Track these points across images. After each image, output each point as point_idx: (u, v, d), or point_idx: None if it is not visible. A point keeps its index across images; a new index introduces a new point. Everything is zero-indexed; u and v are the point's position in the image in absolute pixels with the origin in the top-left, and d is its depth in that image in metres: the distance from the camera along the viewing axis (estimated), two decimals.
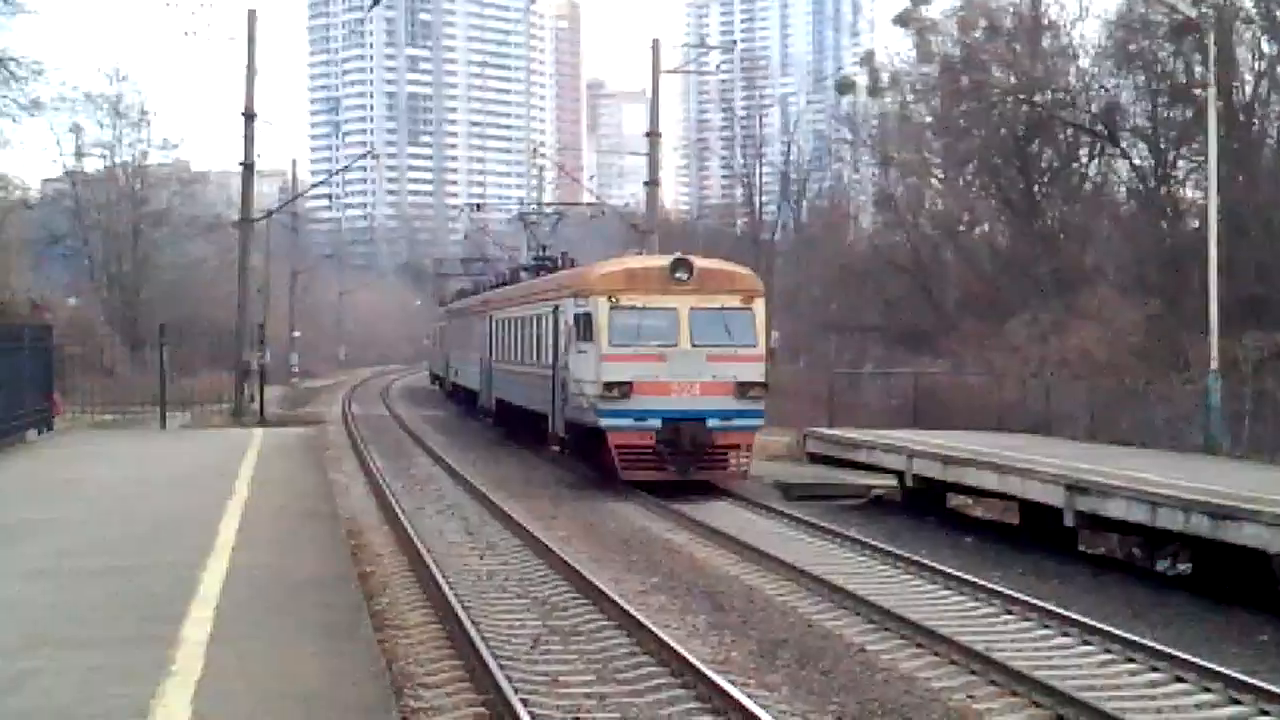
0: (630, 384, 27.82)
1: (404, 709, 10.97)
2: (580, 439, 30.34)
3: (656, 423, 27.80)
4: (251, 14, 45.35)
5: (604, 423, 27.99)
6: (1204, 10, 35.95)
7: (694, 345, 28.14)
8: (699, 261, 29.49)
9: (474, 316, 48.14)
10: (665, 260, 29.55)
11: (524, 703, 11.54)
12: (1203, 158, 41.85)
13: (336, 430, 43.86)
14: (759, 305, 29.21)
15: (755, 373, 28.63)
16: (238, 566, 13.53)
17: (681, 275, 28.51)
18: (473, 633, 13.75)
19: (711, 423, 27.96)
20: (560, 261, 43.00)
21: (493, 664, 12.56)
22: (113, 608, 11.61)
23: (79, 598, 12.01)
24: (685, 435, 27.76)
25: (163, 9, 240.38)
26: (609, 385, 27.82)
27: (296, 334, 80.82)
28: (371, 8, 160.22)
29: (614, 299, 28.37)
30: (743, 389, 28.21)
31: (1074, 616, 15.71)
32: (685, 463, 27.87)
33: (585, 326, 28.81)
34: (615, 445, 27.78)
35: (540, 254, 45.95)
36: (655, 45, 47.70)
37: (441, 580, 16.65)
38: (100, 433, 35.04)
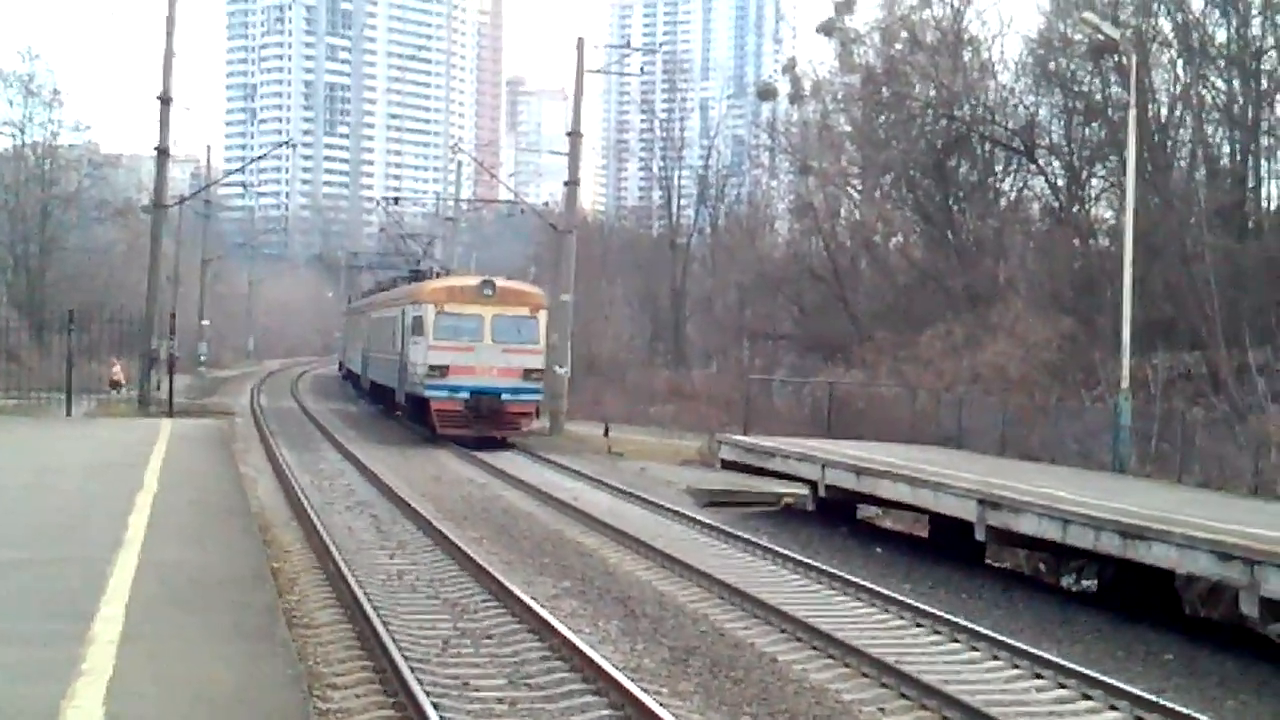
0: (448, 367, 38.49)
1: (313, 710, 10.82)
2: (414, 405, 41.62)
3: (465, 395, 38.35)
4: None
5: (428, 394, 38.81)
6: (1124, 33, 36.40)
7: (494, 341, 38.79)
8: (500, 282, 40.67)
9: (361, 315, 60.25)
10: (477, 280, 40.72)
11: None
12: (1116, 177, 42.50)
13: (245, 422, 43.46)
14: (542, 315, 40.18)
15: (537, 362, 39.62)
16: (149, 562, 13.31)
17: (488, 291, 39.37)
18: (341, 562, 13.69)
19: (505, 396, 38.68)
20: (430, 274, 51.48)
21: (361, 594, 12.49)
22: (20, 603, 11.37)
23: None
24: (485, 405, 38.41)
25: None
26: (432, 368, 38.57)
27: (206, 323, 79.93)
28: None
29: (439, 307, 39.14)
30: (527, 373, 39.14)
31: (983, 631, 15.87)
32: (485, 425, 38.46)
33: (418, 325, 39.57)
34: (435, 410, 38.61)
35: (415, 267, 57.81)
36: (580, 44, 47.70)
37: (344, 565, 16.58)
38: (3, 418, 34.37)
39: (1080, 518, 17.76)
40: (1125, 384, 28.47)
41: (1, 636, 10.11)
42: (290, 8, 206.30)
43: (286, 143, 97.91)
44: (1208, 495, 23.18)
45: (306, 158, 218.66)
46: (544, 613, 15.32)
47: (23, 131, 66.36)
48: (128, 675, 9.08)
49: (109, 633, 10.27)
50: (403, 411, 44.58)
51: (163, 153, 45.15)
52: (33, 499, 18.04)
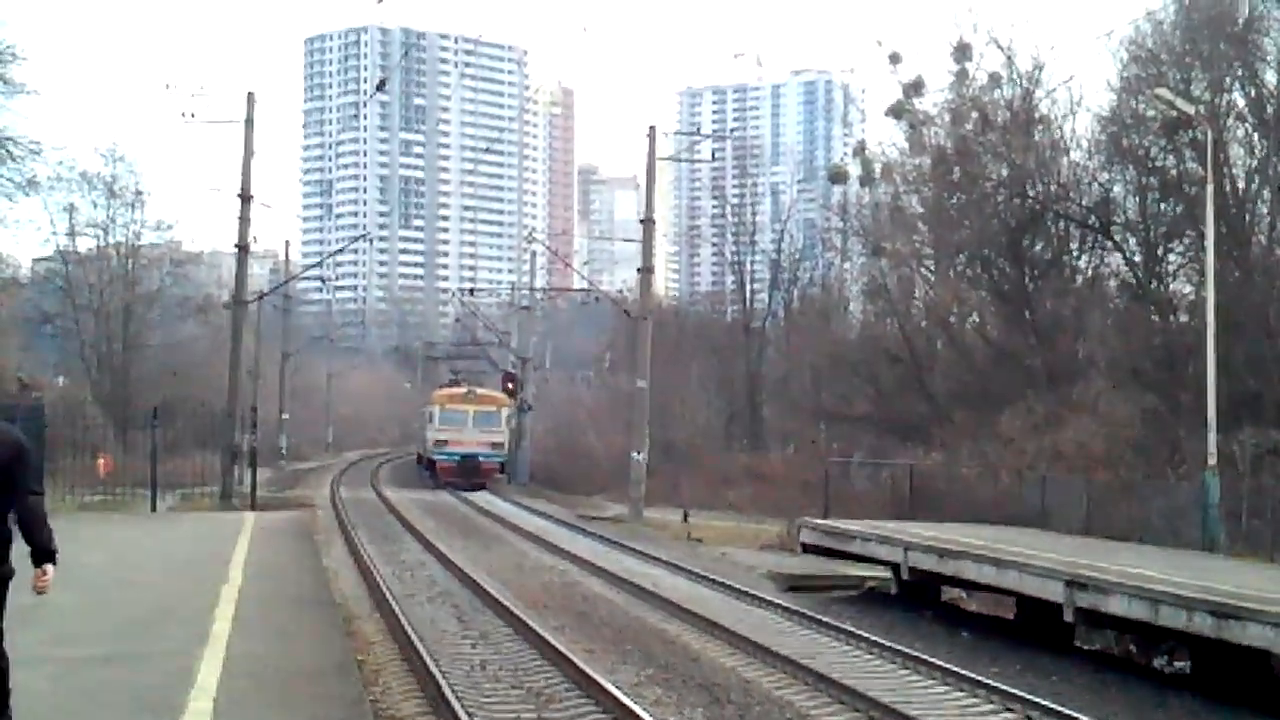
0: (447, 440, 63.12)
1: None
2: (429, 465, 66.36)
3: (457, 458, 62.56)
4: (250, 96, 45.69)
5: (435, 457, 63.92)
6: (1198, 108, 36.21)
7: (473, 426, 63.37)
8: (479, 391, 67.32)
9: (419, 410, 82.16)
10: (464, 390, 67.12)
11: None
12: (1194, 252, 42.14)
13: (326, 514, 43.66)
14: (504, 410, 65.86)
15: (501, 438, 64.75)
16: (235, 656, 13.37)
17: (470, 395, 65.64)
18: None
19: (481, 458, 62.66)
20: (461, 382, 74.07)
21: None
22: (111, 697, 11.44)
23: (76, 687, 11.84)
24: (468, 464, 62.06)
25: (161, 90, 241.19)
26: (437, 441, 63.71)
27: (286, 416, 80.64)
28: (378, 89, 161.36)
29: (442, 405, 65.11)
30: (494, 445, 63.95)
31: (1075, 715, 15.57)
32: (468, 476, 60.84)
33: (431, 416, 65.73)
34: (439, 467, 63.14)
35: (453, 376, 76.05)
36: (651, 132, 48.21)
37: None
38: (89, 515, 34.73)
39: (1171, 598, 17.44)
40: (1212, 461, 28.06)
41: None
42: (365, 105, 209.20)
43: (363, 236, 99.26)
44: None
45: (382, 251, 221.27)
46: (628, 701, 15.19)
47: (106, 232, 67.50)
48: None
49: None
50: (424, 468, 69.32)
51: (243, 249, 45.82)
52: (122, 594, 18.20)
